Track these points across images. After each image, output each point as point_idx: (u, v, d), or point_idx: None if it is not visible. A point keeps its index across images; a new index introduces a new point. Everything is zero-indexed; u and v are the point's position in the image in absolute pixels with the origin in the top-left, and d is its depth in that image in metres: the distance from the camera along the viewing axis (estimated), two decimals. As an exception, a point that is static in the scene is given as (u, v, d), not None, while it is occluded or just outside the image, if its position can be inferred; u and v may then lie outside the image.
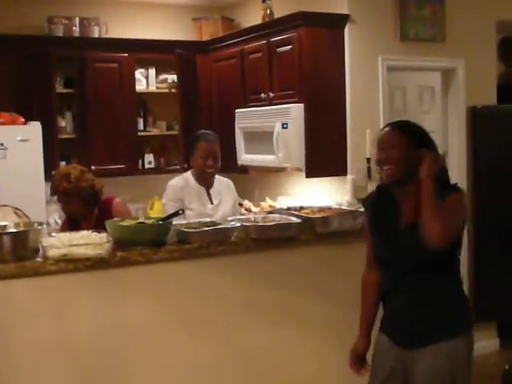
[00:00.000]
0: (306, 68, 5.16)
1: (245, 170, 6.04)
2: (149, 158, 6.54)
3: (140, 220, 3.38)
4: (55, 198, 4.13)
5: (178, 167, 6.35)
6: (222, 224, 3.44)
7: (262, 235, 3.42)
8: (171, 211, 4.25)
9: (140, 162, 6.50)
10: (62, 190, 3.97)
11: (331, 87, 5.25)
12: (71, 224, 4.11)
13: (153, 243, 3.24)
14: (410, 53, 5.55)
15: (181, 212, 3.35)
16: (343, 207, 3.95)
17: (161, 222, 3.29)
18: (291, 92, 5.27)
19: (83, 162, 6.04)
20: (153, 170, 6.56)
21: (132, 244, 3.22)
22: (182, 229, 3.32)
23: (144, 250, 3.20)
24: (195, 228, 3.36)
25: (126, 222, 3.33)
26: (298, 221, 3.49)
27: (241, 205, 6.03)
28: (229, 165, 5.50)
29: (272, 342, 3.58)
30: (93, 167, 6.05)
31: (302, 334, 3.64)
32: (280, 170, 5.74)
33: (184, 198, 4.47)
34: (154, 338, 3.28)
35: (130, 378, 3.24)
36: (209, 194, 4.59)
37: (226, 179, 4.79)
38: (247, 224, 3.45)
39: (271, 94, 5.50)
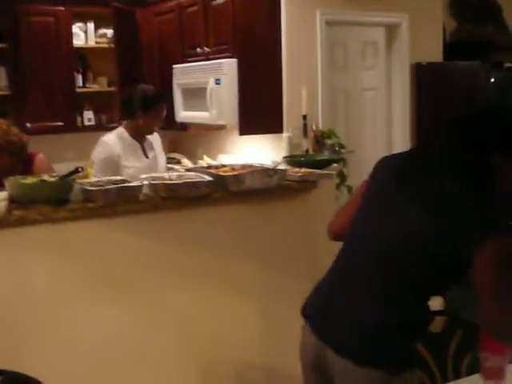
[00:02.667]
0: (240, 22, 5.01)
1: (184, 127, 5.91)
2: (88, 115, 6.39)
3: (42, 177, 3.24)
4: None
5: (118, 124, 6.19)
6: (127, 182, 3.32)
7: (171, 193, 3.30)
8: (101, 171, 4.14)
9: (79, 118, 6.34)
10: None
11: (266, 42, 5.11)
12: None
13: (55, 202, 3.11)
14: (351, 7, 5.42)
15: (80, 170, 3.20)
16: (264, 165, 3.83)
17: (62, 180, 3.17)
18: (226, 47, 5.13)
19: (18, 119, 5.91)
20: (93, 127, 6.39)
21: (33, 203, 3.09)
22: (86, 187, 3.19)
23: (43, 208, 3.07)
24: (101, 186, 3.24)
25: (27, 180, 3.20)
26: (210, 178, 3.38)
27: (179, 162, 5.93)
28: (168, 122, 5.35)
29: (188, 302, 3.48)
30: (28, 124, 5.92)
31: (217, 293, 3.54)
32: (218, 128, 5.61)
33: (121, 155, 4.32)
34: (57, 301, 3.16)
35: (30, 346, 3.13)
36: (143, 149, 4.46)
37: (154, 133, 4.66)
38: (155, 182, 3.33)
39: (207, 49, 5.36)
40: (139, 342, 3.36)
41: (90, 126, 6.40)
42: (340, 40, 5.67)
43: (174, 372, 3.46)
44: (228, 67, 4.98)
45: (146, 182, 3.32)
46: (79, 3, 6.11)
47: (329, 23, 5.33)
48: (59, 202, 3.13)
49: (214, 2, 5.24)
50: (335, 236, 2.50)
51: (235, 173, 3.48)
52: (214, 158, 5.76)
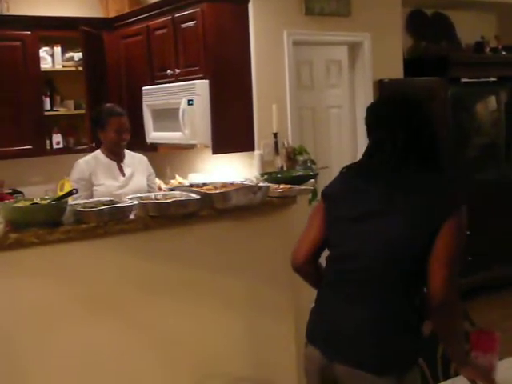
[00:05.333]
0: (210, 44, 5.13)
1: (154, 147, 5.99)
2: (57, 138, 6.41)
3: (34, 201, 3.30)
4: None
5: (87, 147, 6.24)
6: (118, 203, 3.40)
7: (161, 212, 3.39)
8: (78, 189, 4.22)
9: (48, 142, 6.36)
10: None
11: (236, 63, 5.25)
12: None
13: (48, 224, 3.17)
14: (316, 27, 5.60)
15: (74, 191, 3.28)
16: (246, 182, 3.95)
17: (54, 202, 3.23)
18: (196, 68, 5.24)
19: (-13, 143, 5.93)
20: (61, 150, 6.42)
21: (27, 226, 3.14)
22: (78, 208, 3.26)
23: (38, 230, 3.13)
24: (92, 207, 3.31)
25: (20, 203, 3.26)
26: (197, 197, 3.48)
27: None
28: (137, 143, 5.44)
29: (178, 320, 3.56)
30: (-3, 149, 5.94)
31: (206, 308, 3.63)
32: (189, 147, 5.72)
33: (92, 174, 4.43)
34: (53, 322, 3.21)
35: (25, 367, 3.17)
36: (120, 168, 4.55)
37: (138, 154, 4.77)
38: (145, 201, 3.42)
39: (177, 71, 5.46)
40: (131, 358, 3.42)
41: (59, 149, 6.42)
42: (306, 59, 5.84)
43: (165, 387, 3.53)
44: (200, 88, 5.10)
45: (135, 202, 3.40)
46: (46, 27, 6.14)
47: (295, 43, 5.48)
48: (52, 224, 3.19)
49: (183, 25, 5.36)
50: (300, 264, 2.66)
51: (221, 190, 3.58)
52: (184, 177, 5.84)
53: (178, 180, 5.67)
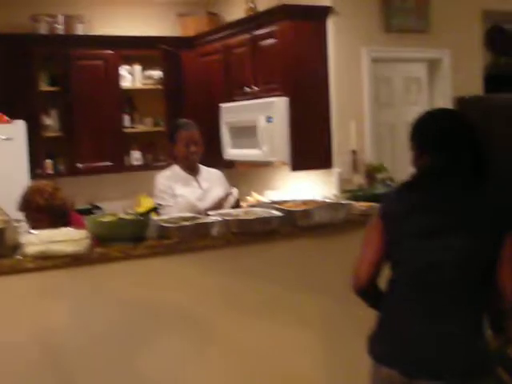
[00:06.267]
0: (290, 61, 5.15)
1: (231, 164, 6.02)
2: (135, 155, 6.52)
3: (120, 216, 3.34)
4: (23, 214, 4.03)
5: (165, 163, 6.31)
6: (202, 218, 3.41)
7: (244, 229, 3.39)
8: (162, 202, 4.28)
9: (127, 158, 6.47)
10: (34, 207, 3.78)
11: (315, 80, 5.24)
12: None
13: (132, 239, 3.20)
14: (395, 44, 5.55)
15: (157, 207, 3.31)
16: (328, 200, 3.92)
17: (139, 218, 3.27)
18: (275, 85, 5.26)
19: (69, 159, 6.07)
20: (140, 167, 6.53)
21: (112, 240, 3.18)
22: (162, 224, 3.29)
23: (123, 245, 3.17)
24: (175, 223, 3.33)
25: (106, 218, 3.30)
26: (279, 214, 3.47)
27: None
28: (215, 160, 5.48)
29: (258, 337, 3.54)
30: (79, 165, 6.08)
31: (286, 328, 3.60)
32: (266, 164, 5.72)
33: (173, 186, 4.47)
34: (135, 335, 3.25)
35: (114, 374, 3.20)
36: (197, 180, 4.58)
37: (215, 170, 4.77)
38: (228, 218, 3.43)
39: (255, 88, 5.49)
40: (208, 373, 3.42)
41: (137, 165, 6.52)
42: (384, 76, 5.78)
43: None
44: (279, 105, 5.11)
45: (218, 219, 3.41)
46: (127, 47, 6.29)
47: (374, 60, 5.44)
48: (136, 239, 3.23)
49: (262, 43, 5.39)
50: (363, 286, 2.65)
51: (304, 208, 3.56)
52: (260, 194, 5.85)
53: (255, 197, 5.67)
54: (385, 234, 2.56)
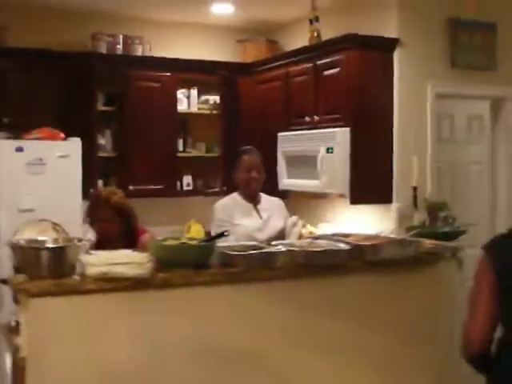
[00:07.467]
0: (354, 91, 5.04)
1: (285, 195, 5.89)
2: (187, 180, 6.44)
3: (183, 240, 3.23)
4: (88, 220, 4.01)
5: (217, 189, 6.23)
6: (267, 248, 3.29)
7: (310, 261, 3.25)
8: (218, 231, 4.16)
9: (178, 183, 6.39)
10: (113, 204, 3.92)
11: (379, 112, 5.13)
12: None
13: (195, 265, 3.09)
14: (460, 80, 5.42)
15: (226, 234, 3.20)
16: (391, 235, 3.78)
17: (204, 243, 3.15)
18: (337, 116, 5.15)
19: (121, 181, 6.00)
20: (191, 192, 6.45)
21: (174, 265, 3.07)
22: (226, 251, 3.17)
23: (186, 271, 3.05)
24: (239, 251, 3.21)
25: (169, 242, 3.19)
26: (347, 247, 3.33)
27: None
28: (269, 188, 5.35)
29: (317, 374, 3.39)
30: (131, 187, 6.00)
31: (349, 367, 3.45)
32: (321, 196, 5.60)
33: (232, 215, 4.36)
34: (192, 364, 3.11)
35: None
36: (257, 210, 4.46)
37: (275, 198, 4.66)
38: (294, 249, 3.30)
39: (316, 118, 5.38)
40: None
41: (188, 190, 6.44)
42: (447, 112, 5.64)
43: None
44: (341, 136, 4.99)
45: (283, 249, 3.28)
46: (185, 70, 6.24)
47: (438, 95, 5.31)
48: (200, 265, 3.11)
49: (325, 72, 5.29)
50: (477, 350, 2.36)
51: (373, 242, 3.42)
52: (313, 226, 5.71)
53: (309, 229, 5.53)
54: (497, 288, 2.34)
